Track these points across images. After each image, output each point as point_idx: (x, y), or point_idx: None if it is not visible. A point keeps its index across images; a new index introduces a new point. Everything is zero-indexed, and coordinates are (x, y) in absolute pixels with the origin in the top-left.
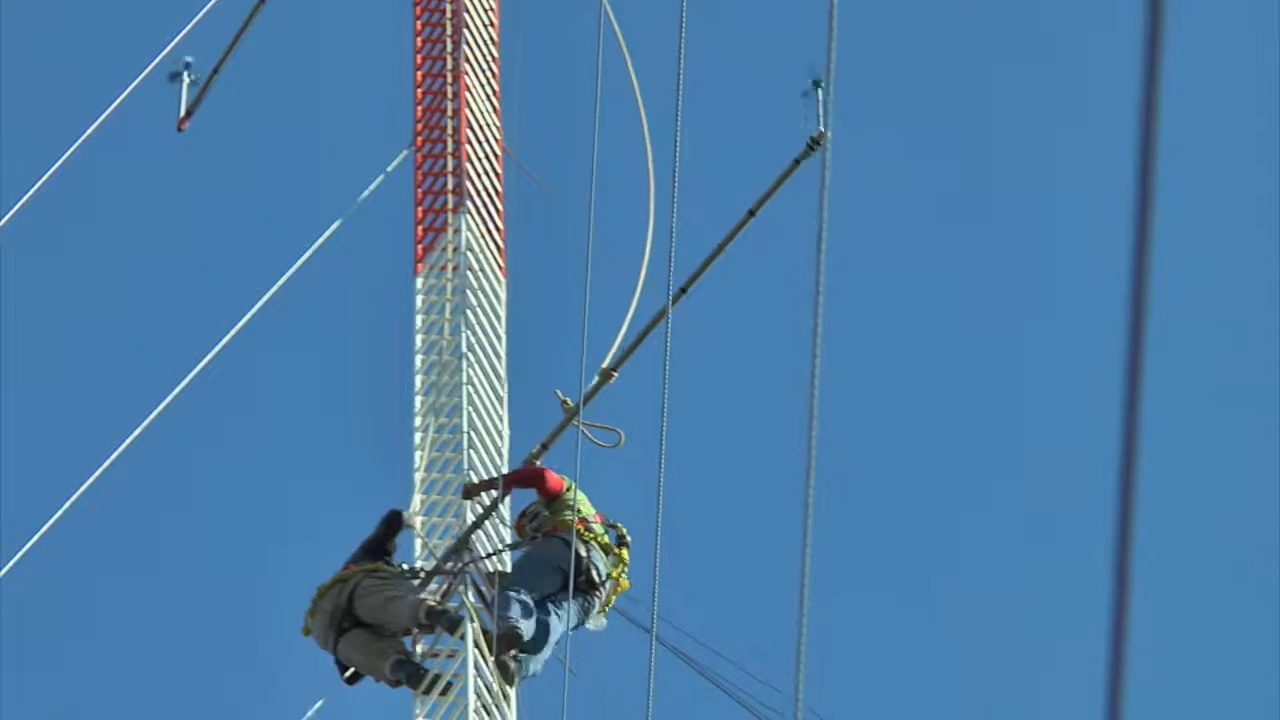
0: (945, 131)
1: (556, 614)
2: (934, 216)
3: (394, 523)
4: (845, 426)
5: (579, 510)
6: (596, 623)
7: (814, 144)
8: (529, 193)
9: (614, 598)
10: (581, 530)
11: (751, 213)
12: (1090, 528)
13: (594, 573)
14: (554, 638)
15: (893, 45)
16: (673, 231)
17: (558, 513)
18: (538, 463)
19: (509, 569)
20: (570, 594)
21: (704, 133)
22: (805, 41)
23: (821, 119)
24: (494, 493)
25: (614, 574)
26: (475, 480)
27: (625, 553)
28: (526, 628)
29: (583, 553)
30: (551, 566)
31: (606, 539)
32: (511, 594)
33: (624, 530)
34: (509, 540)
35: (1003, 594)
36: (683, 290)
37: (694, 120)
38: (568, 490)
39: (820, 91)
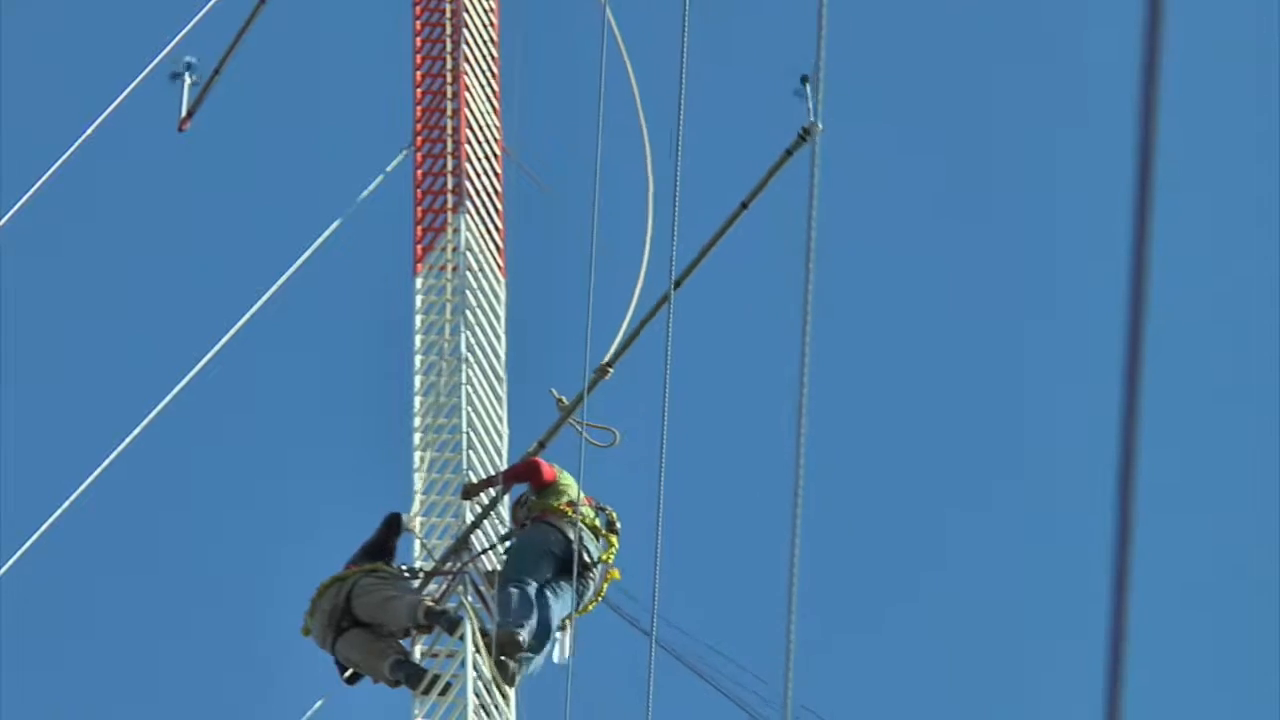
0: (945, 128)
1: (554, 604)
2: (933, 213)
3: (394, 525)
4: (841, 424)
5: (567, 493)
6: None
7: (805, 135)
8: (529, 193)
9: (605, 586)
10: (569, 512)
11: (744, 205)
12: (1088, 528)
13: (585, 555)
14: (553, 634)
15: (892, 40)
16: (674, 223)
17: (547, 498)
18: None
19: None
20: (574, 578)
21: (699, 128)
22: (800, 33)
23: (812, 110)
24: (493, 491)
25: (605, 557)
26: (474, 480)
27: (615, 539)
28: (526, 635)
29: (571, 535)
30: (542, 551)
31: (596, 522)
32: (513, 591)
33: (614, 515)
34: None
35: (1001, 595)
36: (678, 283)
37: (689, 116)
38: (559, 476)
39: (809, 84)
